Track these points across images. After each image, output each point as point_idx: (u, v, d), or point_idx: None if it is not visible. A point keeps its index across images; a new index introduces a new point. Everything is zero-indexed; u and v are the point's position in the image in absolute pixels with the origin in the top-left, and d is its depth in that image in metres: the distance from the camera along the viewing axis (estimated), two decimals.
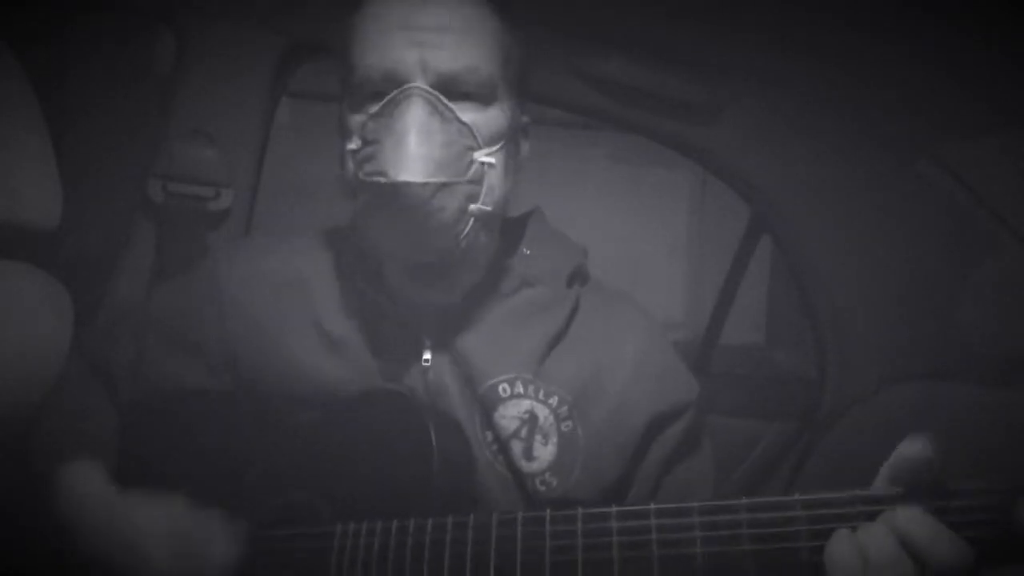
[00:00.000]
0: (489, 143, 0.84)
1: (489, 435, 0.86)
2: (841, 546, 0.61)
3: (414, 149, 0.79)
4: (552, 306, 0.92)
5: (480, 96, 0.84)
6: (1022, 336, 1.23)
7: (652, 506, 0.68)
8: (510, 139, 0.88)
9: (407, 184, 0.79)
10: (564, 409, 0.87)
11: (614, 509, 0.68)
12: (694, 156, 1.46)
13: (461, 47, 0.83)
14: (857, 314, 1.46)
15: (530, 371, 0.88)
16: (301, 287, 0.94)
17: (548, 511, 0.71)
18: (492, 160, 0.84)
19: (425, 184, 0.79)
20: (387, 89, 0.82)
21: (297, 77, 1.37)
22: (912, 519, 0.60)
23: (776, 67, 1.29)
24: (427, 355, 0.89)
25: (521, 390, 0.87)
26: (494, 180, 0.85)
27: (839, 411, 1.48)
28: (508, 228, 0.99)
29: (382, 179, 0.80)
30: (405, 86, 0.81)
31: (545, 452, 0.86)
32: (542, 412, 0.87)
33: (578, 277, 0.96)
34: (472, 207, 0.83)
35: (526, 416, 0.86)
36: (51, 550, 0.80)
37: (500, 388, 0.87)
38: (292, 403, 0.88)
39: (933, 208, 1.37)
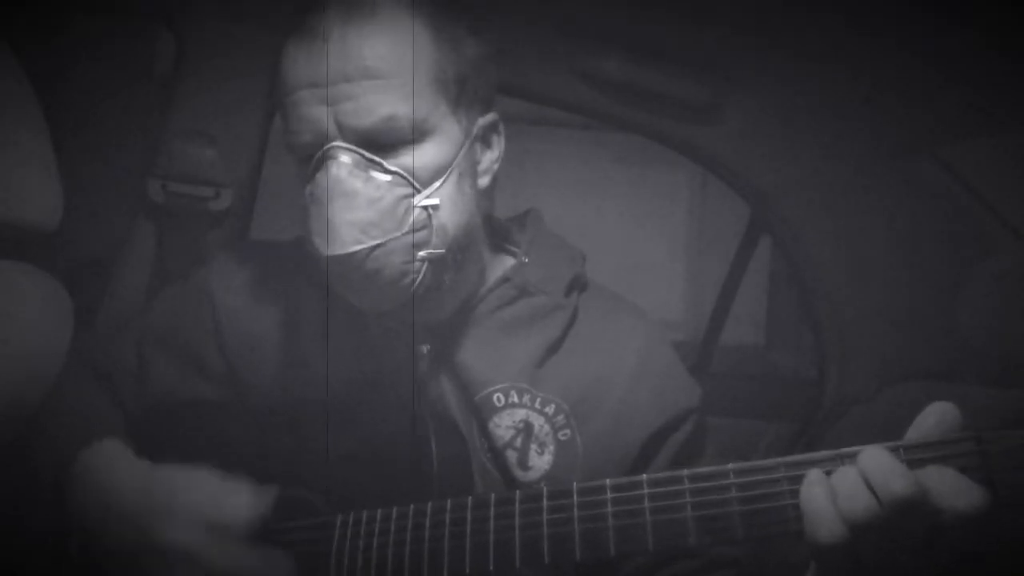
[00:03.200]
0: (430, 181, 0.80)
1: (485, 443, 0.86)
2: (813, 486, 0.62)
3: (335, 218, 0.77)
4: (550, 314, 0.91)
5: (409, 139, 0.79)
6: (1022, 336, 1.23)
7: (644, 476, 0.68)
8: (461, 159, 0.83)
9: (333, 257, 0.77)
10: (561, 418, 0.87)
11: (608, 482, 0.69)
12: (694, 156, 1.46)
13: (374, 95, 0.78)
14: (857, 314, 1.46)
15: (525, 380, 0.87)
16: (296, 295, 0.93)
17: (545, 489, 0.71)
18: (435, 201, 0.80)
19: (352, 254, 0.77)
20: (312, 151, 0.79)
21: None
22: (871, 456, 0.61)
23: (776, 67, 1.29)
24: (423, 365, 0.89)
25: (516, 399, 0.86)
26: (443, 219, 0.81)
27: (839, 411, 1.48)
28: (504, 231, 0.97)
29: (313, 250, 0.79)
30: (324, 147, 0.78)
31: (541, 462, 0.85)
32: (537, 421, 0.86)
33: (577, 284, 0.95)
34: (421, 254, 0.80)
35: (521, 425, 0.86)
36: (66, 535, 0.79)
37: (495, 397, 0.86)
38: (289, 409, 0.88)
39: (933, 208, 1.37)
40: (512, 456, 0.85)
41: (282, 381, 0.90)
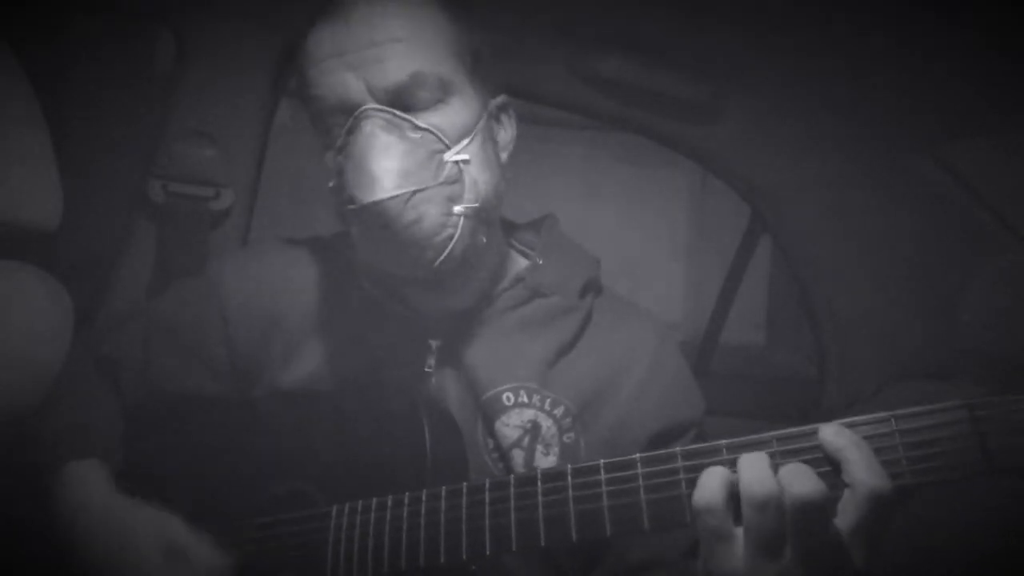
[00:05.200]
0: (458, 139, 0.83)
1: (491, 442, 0.86)
2: (708, 473, 0.64)
3: (374, 167, 0.78)
4: (564, 316, 0.92)
5: (435, 98, 0.82)
6: (1022, 336, 1.23)
7: (638, 455, 0.69)
8: (482, 127, 0.86)
9: (375, 203, 0.78)
10: (568, 420, 0.87)
11: (602, 462, 0.70)
12: (694, 156, 1.46)
13: (399, 58, 0.81)
14: (857, 314, 1.46)
15: (536, 380, 0.88)
16: (305, 292, 0.94)
17: (539, 471, 0.72)
18: (466, 156, 0.83)
19: (393, 198, 0.78)
20: (342, 120, 0.81)
21: (297, 77, 1.36)
22: (796, 473, 0.62)
23: (776, 67, 1.29)
24: (431, 360, 0.89)
25: (525, 399, 0.87)
26: (474, 174, 0.84)
27: (839, 411, 1.48)
28: (520, 234, 0.98)
29: (353, 205, 0.80)
30: (356, 111, 0.80)
31: (545, 463, 0.86)
32: (545, 422, 0.86)
33: (591, 288, 0.96)
34: (456, 208, 0.82)
35: (528, 425, 0.86)
36: (47, 544, 0.81)
37: (504, 396, 0.87)
38: (293, 404, 0.88)
39: (933, 208, 1.37)
40: (518, 456, 0.85)
41: (285, 375, 0.90)
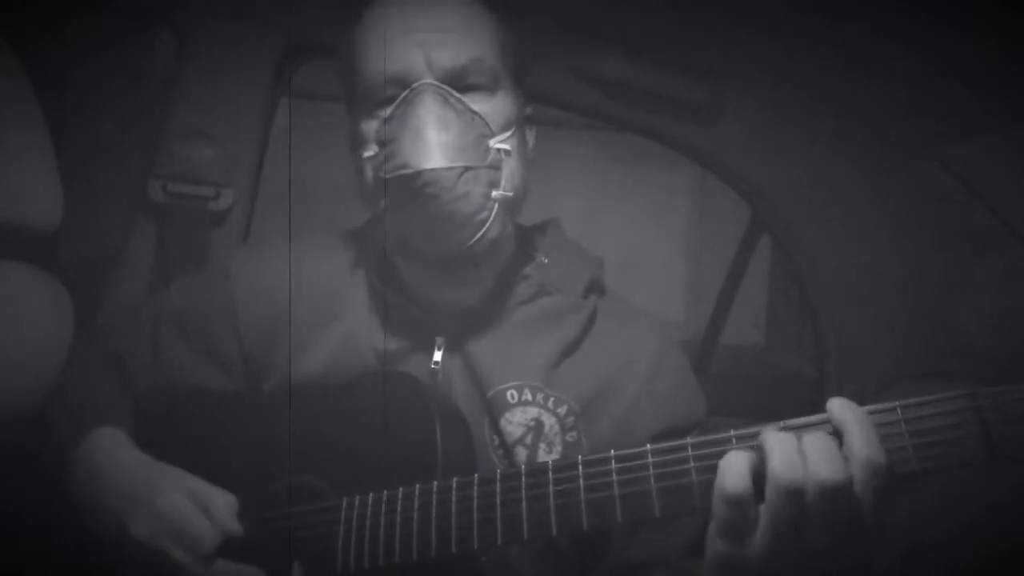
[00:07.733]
0: (501, 130, 0.87)
1: (496, 439, 0.87)
2: (734, 458, 0.63)
3: (434, 137, 0.82)
4: (568, 315, 0.93)
5: (486, 86, 0.87)
6: (1022, 336, 1.23)
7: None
8: (519, 126, 0.90)
9: (432, 171, 0.81)
10: (571, 419, 0.87)
11: (613, 453, 0.70)
12: (694, 156, 1.46)
13: (463, 42, 0.85)
14: (857, 314, 1.46)
15: (540, 379, 0.88)
16: (313, 287, 0.94)
17: (551, 463, 0.72)
18: (507, 146, 0.87)
19: (450, 168, 0.81)
20: (397, 92, 0.84)
21: (297, 77, 1.37)
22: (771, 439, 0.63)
23: (776, 67, 1.29)
24: (437, 356, 0.89)
25: (529, 397, 0.87)
26: (512, 166, 0.88)
27: None
28: (526, 236, 0.99)
29: (407, 170, 0.81)
30: (415, 83, 0.83)
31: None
32: (549, 420, 0.87)
33: (595, 287, 0.97)
34: (495, 193, 0.85)
35: (532, 423, 0.86)
36: (66, 511, 0.82)
37: (508, 394, 0.87)
38: (301, 398, 0.89)
39: (933, 208, 1.37)
40: (522, 453, 0.86)
41: (294, 370, 0.91)
